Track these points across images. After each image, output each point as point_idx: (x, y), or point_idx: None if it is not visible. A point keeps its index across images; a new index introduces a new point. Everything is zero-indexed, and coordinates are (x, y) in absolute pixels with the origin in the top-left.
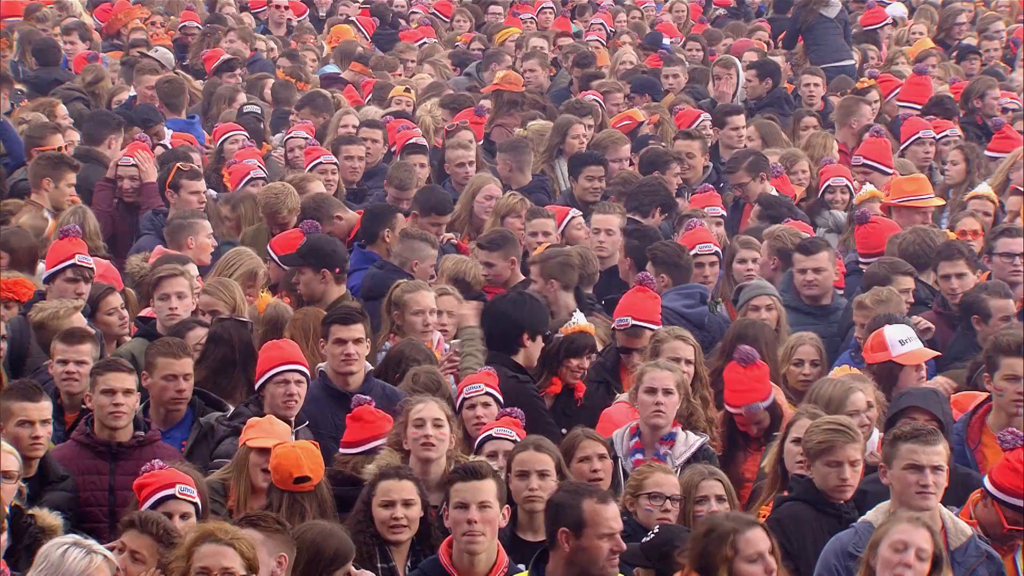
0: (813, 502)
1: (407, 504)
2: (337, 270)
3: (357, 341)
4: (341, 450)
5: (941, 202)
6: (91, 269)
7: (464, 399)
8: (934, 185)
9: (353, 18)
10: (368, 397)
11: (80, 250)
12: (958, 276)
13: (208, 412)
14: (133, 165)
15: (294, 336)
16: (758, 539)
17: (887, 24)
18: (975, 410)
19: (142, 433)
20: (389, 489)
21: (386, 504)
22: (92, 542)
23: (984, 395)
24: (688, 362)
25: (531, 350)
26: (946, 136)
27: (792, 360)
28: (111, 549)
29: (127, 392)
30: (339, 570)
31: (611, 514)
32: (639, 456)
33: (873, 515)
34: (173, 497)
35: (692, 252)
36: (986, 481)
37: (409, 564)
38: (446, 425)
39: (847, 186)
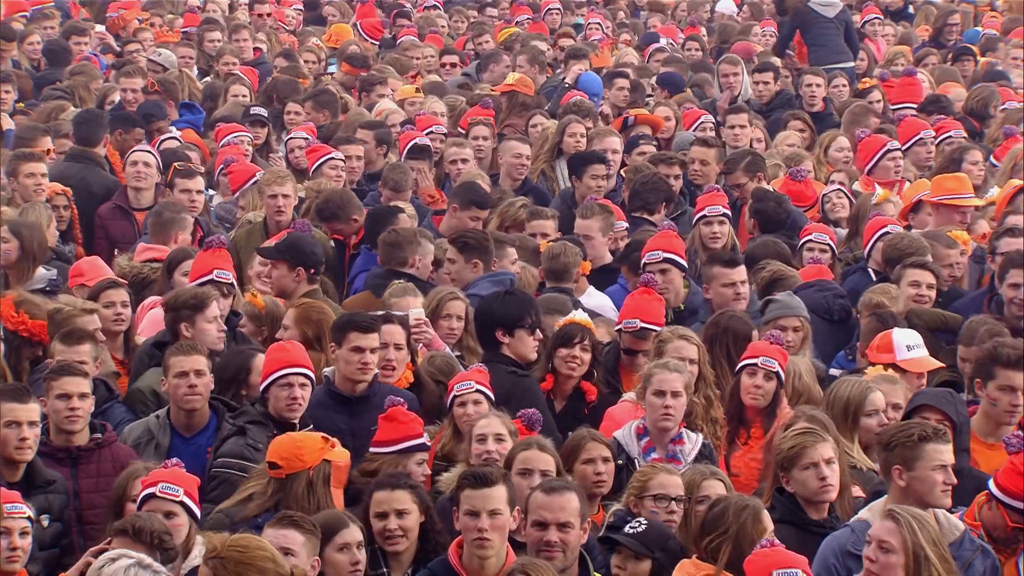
0: (797, 523)
1: (400, 514)
2: (312, 271)
3: (374, 350)
4: (372, 450)
5: (981, 202)
6: (231, 284)
7: (455, 396)
8: None
9: (357, 23)
10: (401, 399)
11: (220, 264)
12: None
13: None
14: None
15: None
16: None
17: (876, 20)
18: None
19: (99, 436)
20: (381, 500)
21: (379, 515)
22: (156, 565)
23: None
24: (692, 361)
25: (513, 345)
26: (949, 137)
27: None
28: (98, 554)
29: (82, 396)
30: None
31: (545, 504)
32: (655, 455)
33: (868, 513)
34: (154, 496)
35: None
36: (991, 484)
37: (411, 571)
38: (508, 440)
39: (840, 189)
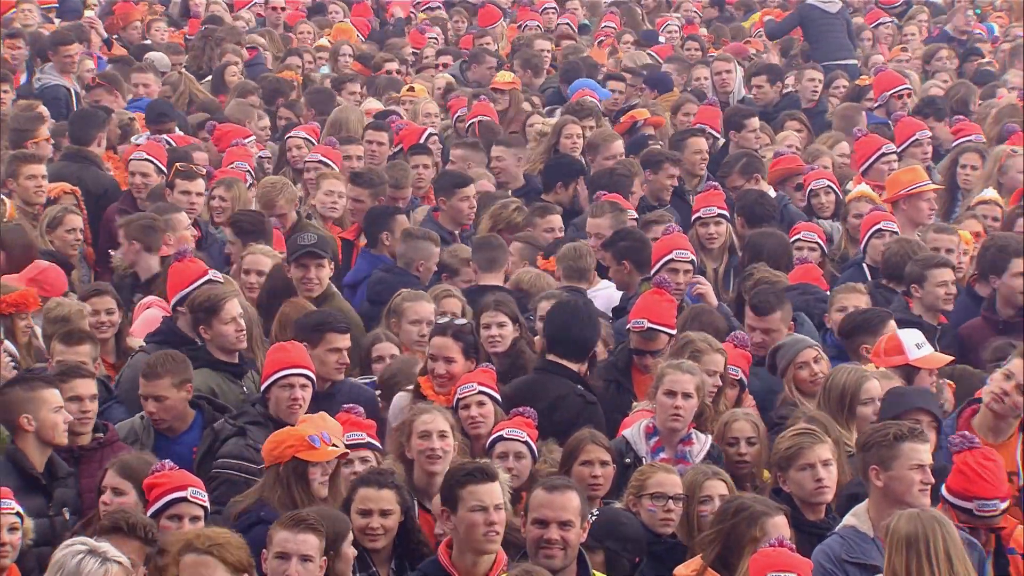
0: (793, 524)
1: (384, 514)
2: None
3: (349, 350)
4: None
5: (940, 186)
6: (221, 283)
7: (459, 399)
8: None
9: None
10: (359, 407)
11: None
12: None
13: (217, 417)
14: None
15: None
16: (782, 525)
17: (885, 23)
18: (960, 412)
19: (101, 435)
20: (367, 498)
21: (363, 512)
22: (107, 547)
23: None
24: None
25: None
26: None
27: (727, 440)
28: None
29: (92, 398)
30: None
31: (546, 502)
32: (663, 455)
33: (854, 519)
34: (185, 500)
35: (669, 257)
36: (942, 487)
37: (394, 568)
38: (451, 436)
39: (829, 187)
